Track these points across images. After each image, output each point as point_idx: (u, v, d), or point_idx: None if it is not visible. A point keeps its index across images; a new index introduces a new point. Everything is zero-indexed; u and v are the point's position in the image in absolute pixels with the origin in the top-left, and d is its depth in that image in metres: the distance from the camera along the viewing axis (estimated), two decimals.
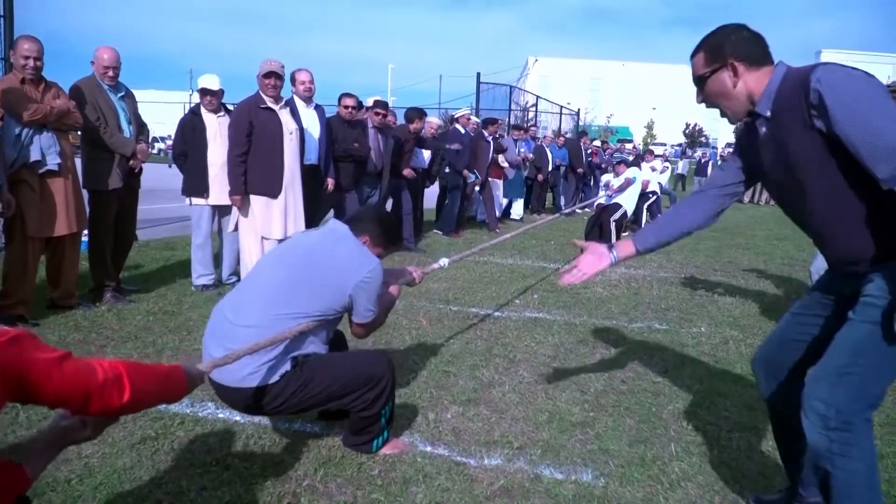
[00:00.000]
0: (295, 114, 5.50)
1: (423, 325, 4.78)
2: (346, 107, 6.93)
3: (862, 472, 1.93)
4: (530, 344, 4.45)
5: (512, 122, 17.41)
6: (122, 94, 4.99)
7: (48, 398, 1.27)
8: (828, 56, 46.04)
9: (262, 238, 5.28)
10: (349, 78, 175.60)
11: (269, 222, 5.21)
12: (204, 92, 5.45)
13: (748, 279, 7.27)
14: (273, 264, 2.68)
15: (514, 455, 2.83)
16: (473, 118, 11.94)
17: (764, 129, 2.07)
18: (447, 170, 9.93)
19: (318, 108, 6.12)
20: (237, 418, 3.07)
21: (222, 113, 5.57)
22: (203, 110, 5.51)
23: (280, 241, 5.04)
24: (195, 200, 5.56)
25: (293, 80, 5.92)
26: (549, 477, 2.65)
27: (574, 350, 4.36)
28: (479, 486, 2.56)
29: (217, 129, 5.48)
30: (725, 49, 2.04)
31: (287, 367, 2.51)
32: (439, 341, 4.41)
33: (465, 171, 9.76)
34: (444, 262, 3.60)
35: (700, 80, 2.11)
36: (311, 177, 5.86)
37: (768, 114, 2.02)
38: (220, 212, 5.67)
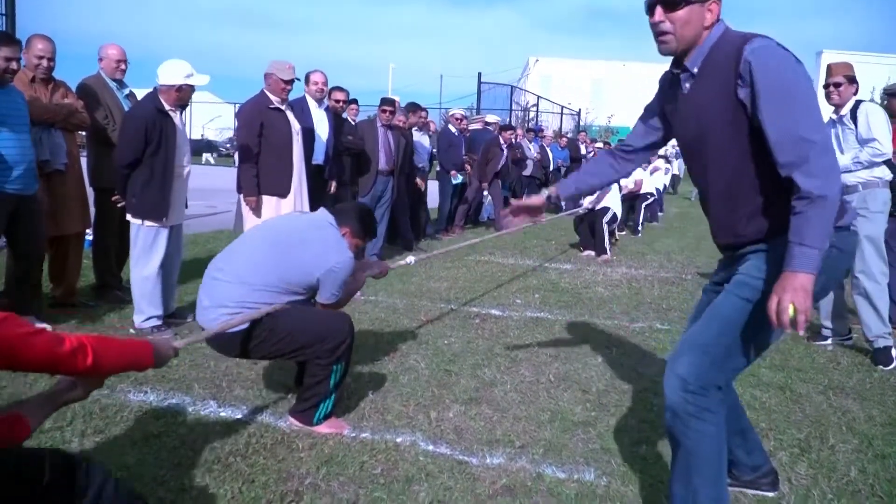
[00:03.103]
0: (306, 114, 5.50)
1: (424, 324, 4.79)
2: (337, 100, 6.82)
3: (713, 434, 2.02)
4: (532, 343, 4.45)
5: (512, 122, 17.44)
6: (127, 92, 5.01)
7: (29, 365, 1.59)
8: (829, 56, 45.69)
9: None
10: (349, 78, 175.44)
11: None
12: (186, 88, 4.28)
13: None
14: (260, 236, 3.09)
15: (517, 454, 2.83)
16: (491, 117, 11.98)
17: (687, 85, 2.09)
18: (437, 168, 9.96)
19: (327, 109, 6.14)
20: (239, 416, 3.08)
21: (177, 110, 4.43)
22: (167, 106, 4.27)
23: None
24: (148, 221, 4.27)
25: (307, 81, 5.97)
26: (551, 476, 2.65)
27: (575, 349, 4.36)
28: (482, 485, 2.56)
29: (183, 132, 4.47)
30: None
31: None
32: (441, 340, 4.41)
33: (453, 171, 9.77)
34: (410, 259, 3.95)
35: (676, 3, 1.97)
36: (316, 177, 5.87)
37: (696, 70, 2.04)
38: (175, 231, 4.52)
